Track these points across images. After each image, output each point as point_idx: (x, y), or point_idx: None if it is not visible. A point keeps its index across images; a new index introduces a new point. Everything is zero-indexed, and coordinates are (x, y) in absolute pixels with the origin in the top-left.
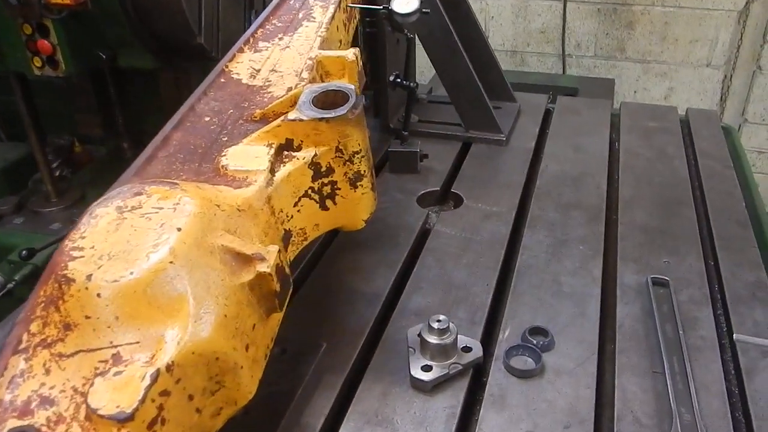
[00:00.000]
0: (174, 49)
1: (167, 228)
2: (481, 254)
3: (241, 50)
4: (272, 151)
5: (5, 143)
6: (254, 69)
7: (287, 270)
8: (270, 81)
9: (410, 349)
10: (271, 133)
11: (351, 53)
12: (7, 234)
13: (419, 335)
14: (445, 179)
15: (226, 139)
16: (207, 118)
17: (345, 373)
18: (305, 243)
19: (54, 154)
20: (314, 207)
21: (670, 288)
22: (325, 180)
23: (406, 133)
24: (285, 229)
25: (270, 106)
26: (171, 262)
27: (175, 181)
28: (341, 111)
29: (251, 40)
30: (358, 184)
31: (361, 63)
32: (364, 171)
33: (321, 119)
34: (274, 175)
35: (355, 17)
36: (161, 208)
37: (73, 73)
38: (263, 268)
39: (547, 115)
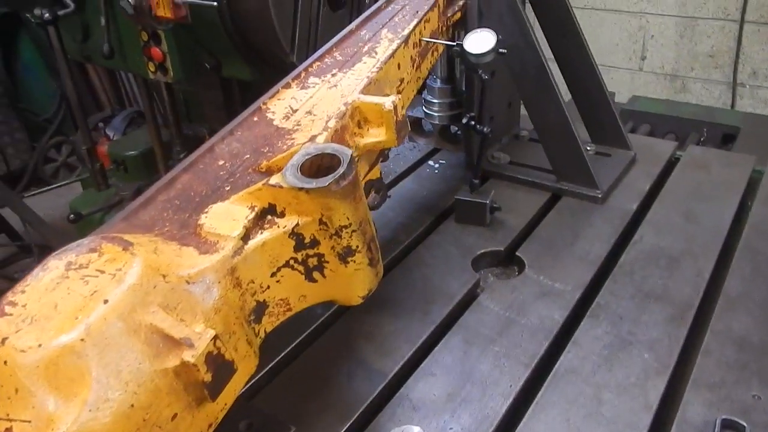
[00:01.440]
0: (271, 63)
1: (96, 298)
2: (518, 343)
3: (287, 85)
4: (252, 215)
5: (143, 129)
6: (291, 109)
7: (229, 355)
8: (300, 125)
9: None
10: (254, 195)
11: (389, 101)
12: None
13: None
14: (513, 238)
15: (228, 188)
16: (221, 162)
17: None
18: (290, 313)
19: (182, 145)
20: (298, 278)
21: None
22: (310, 252)
23: (476, 181)
24: (258, 301)
25: (274, 159)
26: (82, 340)
27: (131, 240)
28: (323, 182)
29: (303, 74)
30: (349, 259)
31: (403, 112)
32: (357, 246)
33: (301, 189)
34: (246, 243)
35: (435, 51)
36: (103, 272)
37: (182, 79)
38: (188, 357)
39: (669, 168)
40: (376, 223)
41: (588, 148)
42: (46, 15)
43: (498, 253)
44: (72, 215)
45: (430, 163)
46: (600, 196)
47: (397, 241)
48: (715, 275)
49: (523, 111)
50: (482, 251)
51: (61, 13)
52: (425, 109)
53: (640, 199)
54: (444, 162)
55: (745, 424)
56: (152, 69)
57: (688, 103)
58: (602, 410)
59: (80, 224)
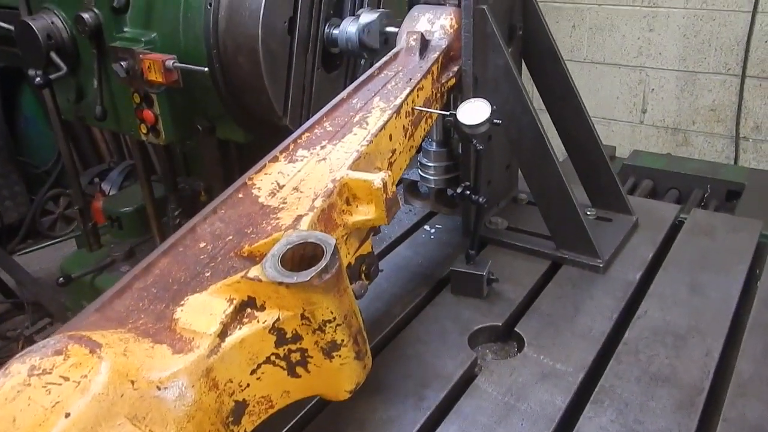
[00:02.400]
0: (264, 126)
1: (57, 411)
2: None
3: (275, 159)
4: (230, 309)
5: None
6: (278, 185)
7: None
8: (286, 203)
9: None
10: (233, 287)
11: (378, 179)
12: (111, 280)
13: None
14: (512, 312)
15: (209, 274)
16: (202, 244)
17: None
18: (272, 410)
19: (176, 203)
20: (280, 374)
21: None
22: (293, 347)
23: (472, 252)
24: (236, 401)
25: (256, 245)
26: None
27: (99, 341)
28: (304, 276)
29: (291, 146)
30: (335, 354)
31: (393, 188)
32: (342, 340)
33: (281, 283)
34: (223, 341)
35: (429, 118)
36: (67, 379)
37: (173, 141)
38: None
39: (672, 233)
40: (368, 294)
41: (588, 213)
42: (38, 79)
43: (496, 329)
44: (62, 278)
45: (426, 227)
46: (601, 265)
47: (391, 315)
48: (724, 354)
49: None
50: (479, 326)
51: (53, 76)
52: (421, 172)
53: (643, 269)
54: (440, 226)
55: None
56: (144, 131)
57: (691, 159)
58: None
59: (71, 286)
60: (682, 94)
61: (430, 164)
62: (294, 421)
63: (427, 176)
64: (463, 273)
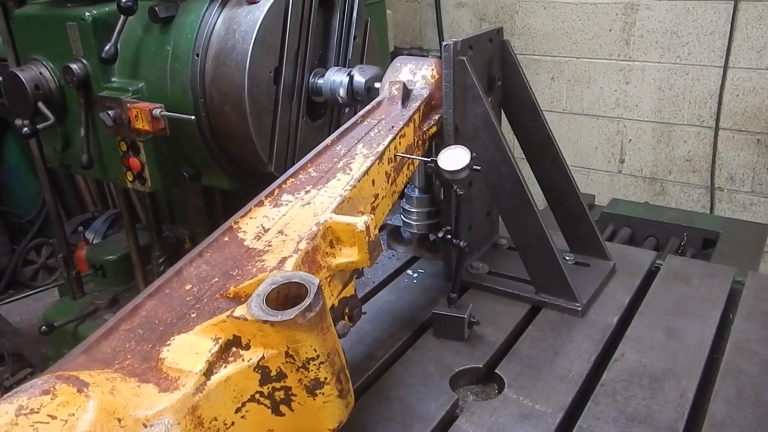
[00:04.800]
0: (249, 174)
1: None
2: None
3: (260, 203)
4: (216, 348)
5: (123, 233)
6: (263, 228)
7: None
8: (271, 246)
9: None
10: (219, 327)
11: (361, 222)
12: (94, 328)
13: None
14: (493, 354)
15: (194, 315)
16: (188, 286)
17: None
18: None
19: (161, 250)
20: (264, 412)
21: None
22: (277, 385)
23: (453, 295)
24: None
25: (242, 285)
26: None
27: (87, 380)
28: (288, 315)
29: (276, 191)
30: (318, 392)
31: (376, 232)
32: (325, 378)
33: (266, 322)
34: (209, 379)
35: (411, 165)
36: (54, 418)
37: (159, 189)
38: None
39: (649, 278)
40: (351, 337)
41: (567, 258)
42: (26, 129)
43: (477, 371)
44: (44, 327)
45: (409, 272)
46: (580, 309)
47: (374, 358)
48: (699, 396)
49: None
50: (461, 368)
51: (40, 126)
52: (403, 218)
53: (620, 313)
54: (423, 271)
55: None
56: (130, 178)
57: (669, 207)
58: None
59: (54, 334)
60: (658, 145)
61: (412, 210)
62: None
63: (409, 221)
64: (445, 316)
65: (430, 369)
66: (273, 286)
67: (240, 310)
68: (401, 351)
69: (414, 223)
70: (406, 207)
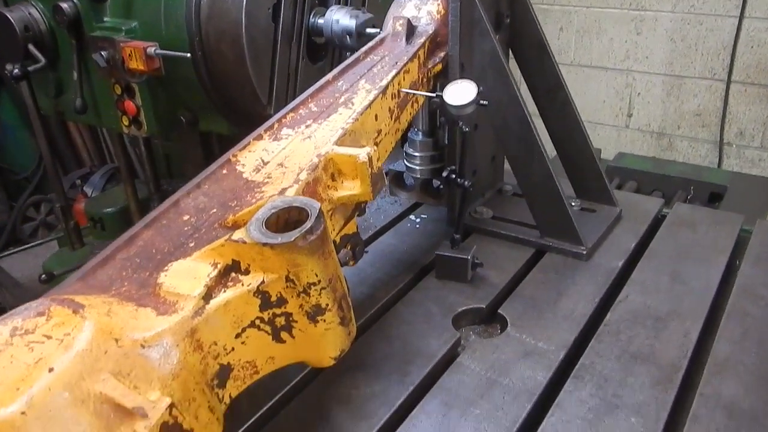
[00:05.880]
0: (248, 117)
1: (41, 366)
2: (500, 406)
3: (259, 137)
4: (215, 273)
5: (122, 186)
6: (262, 161)
7: (188, 424)
8: (270, 178)
9: None
10: (217, 251)
11: (364, 153)
12: None
13: None
14: (496, 295)
15: (192, 245)
16: (186, 217)
17: None
18: (257, 377)
19: (160, 202)
20: (265, 339)
21: None
22: (278, 311)
23: (457, 236)
24: (221, 364)
25: (240, 213)
26: (23, 413)
27: (83, 302)
28: (289, 237)
29: (276, 125)
30: (319, 318)
31: (379, 164)
32: (327, 305)
33: (265, 244)
34: (208, 303)
35: (415, 102)
36: (50, 338)
37: (156, 134)
38: (141, 428)
39: (655, 225)
40: (353, 279)
41: (573, 204)
42: (16, 71)
43: (480, 311)
44: (44, 275)
45: (411, 217)
46: (585, 252)
47: (376, 299)
48: (702, 337)
49: (507, 165)
50: (463, 309)
51: (31, 68)
52: (406, 163)
53: (625, 257)
54: (425, 216)
55: None
56: (126, 123)
57: (675, 162)
58: None
59: (53, 284)
60: (668, 99)
61: (415, 154)
62: (277, 398)
63: (412, 166)
64: (448, 257)
65: (432, 309)
66: (273, 211)
67: (239, 234)
68: (403, 292)
69: (417, 167)
70: (409, 151)
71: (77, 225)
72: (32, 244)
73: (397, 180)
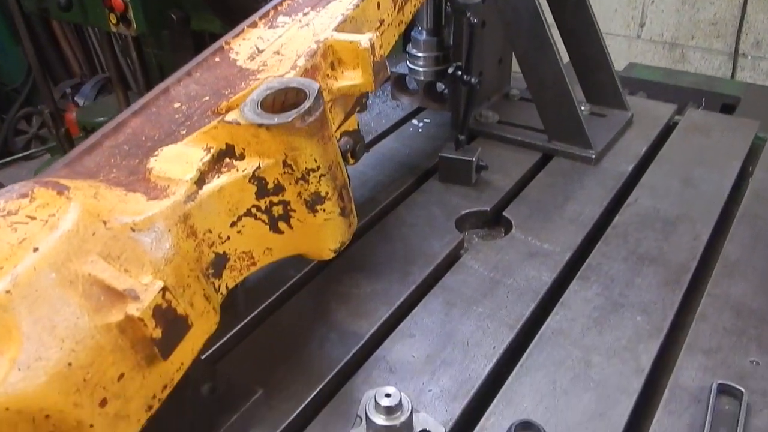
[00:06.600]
0: (243, 14)
1: (25, 246)
2: (504, 304)
3: (254, 24)
4: (208, 157)
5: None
6: (257, 49)
7: (182, 309)
8: (266, 65)
9: (358, 418)
10: (210, 134)
11: (365, 39)
12: None
13: (366, 408)
14: (501, 199)
15: (184, 132)
16: (177, 104)
17: None
18: (254, 268)
19: None
20: (262, 229)
21: (742, 404)
22: (275, 199)
23: (462, 137)
24: (216, 253)
25: (234, 98)
26: (7, 292)
27: (68, 184)
28: (286, 117)
29: (271, 12)
30: (318, 207)
31: (382, 52)
32: (326, 193)
33: (260, 125)
34: (201, 188)
35: None
36: (34, 218)
37: (145, 32)
38: (132, 310)
39: (667, 131)
40: (353, 181)
41: (582, 108)
42: None
43: (484, 214)
44: None
45: (414, 122)
46: (593, 156)
47: (376, 201)
48: (712, 240)
49: (514, 69)
50: (467, 211)
51: None
52: (409, 64)
53: (635, 162)
54: (428, 121)
55: (742, 390)
56: (113, 21)
57: (687, 72)
58: (591, 373)
59: None
60: (683, 7)
61: (419, 54)
62: (275, 295)
63: (416, 68)
64: (452, 159)
65: (434, 211)
66: (269, 92)
67: (232, 115)
68: (405, 195)
69: (421, 69)
70: (413, 52)
71: (68, 132)
72: (24, 154)
73: (400, 83)
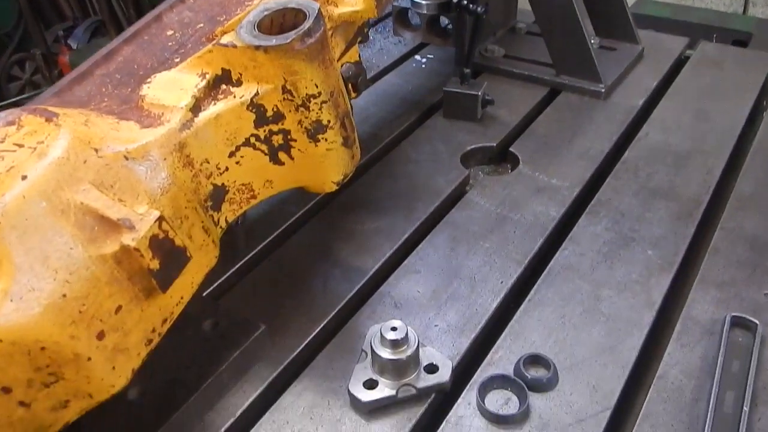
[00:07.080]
0: None
1: (13, 174)
2: (511, 239)
3: None
4: (203, 83)
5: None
6: None
7: (180, 240)
8: None
9: (363, 352)
10: (205, 59)
11: None
12: None
13: (372, 343)
14: (507, 134)
15: (178, 60)
16: (170, 32)
17: (276, 368)
18: (254, 201)
19: None
20: (262, 159)
21: (756, 336)
22: (274, 127)
23: (467, 71)
24: (215, 184)
25: (229, 22)
26: None
27: (57, 111)
28: (284, 39)
29: None
30: (320, 136)
31: None
32: (328, 121)
33: (258, 48)
34: (196, 116)
35: None
36: (21, 146)
37: None
38: (128, 240)
39: (679, 65)
40: (355, 116)
41: (592, 41)
42: None
43: (490, 149)
44: None
45: (417, 57)
46: (603, 90)
47: (379, 137)
48: (725, 174)
49: (520, 4)
50: (472, 147)
51: None
52: None
53: (646, 96)
54: (432, 57)
55: (756, 322)
56: None
57: (698, 8)
58: (601, 307)
59: None
60: None
61: None
62: (277, 232)
63: (418, 1)
64: (457, 93)
65: (439, 147)
66: (266, 13)
67: (228, 38)
68: (409, 131)
69: (423, 2)
70: None
71: (62, 75)
72: (17, 98)
73: (401, 18)
